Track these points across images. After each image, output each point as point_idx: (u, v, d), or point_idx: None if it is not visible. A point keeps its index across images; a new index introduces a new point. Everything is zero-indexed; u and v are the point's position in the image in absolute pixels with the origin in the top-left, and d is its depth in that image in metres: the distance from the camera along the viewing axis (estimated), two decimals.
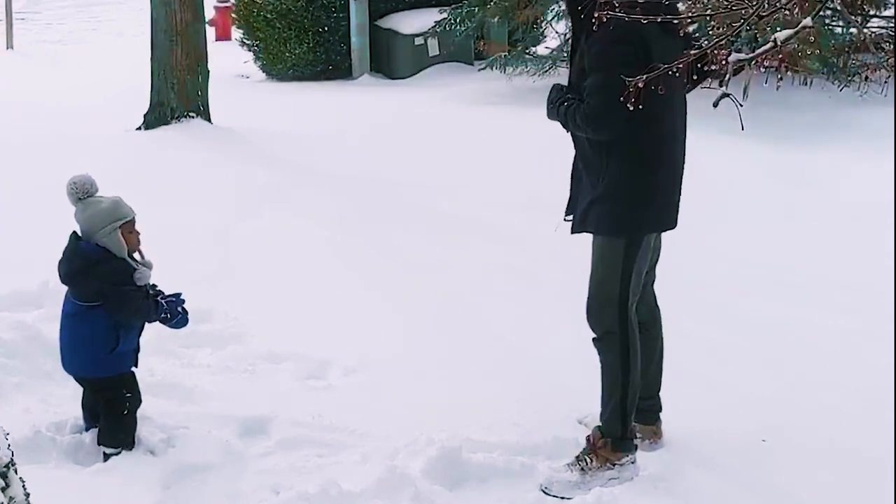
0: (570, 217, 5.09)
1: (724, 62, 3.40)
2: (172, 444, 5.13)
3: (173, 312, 5.14)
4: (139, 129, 11.23)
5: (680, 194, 5.04)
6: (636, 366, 4.96)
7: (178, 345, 6.24)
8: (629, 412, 4.98)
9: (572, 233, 5.06)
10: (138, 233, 5.09)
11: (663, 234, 5.15)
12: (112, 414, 5.08)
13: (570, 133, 5.03)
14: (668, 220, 5.03)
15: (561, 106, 4.92)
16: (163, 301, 5.12)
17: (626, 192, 4.85)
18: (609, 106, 4.59)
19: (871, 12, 13.12)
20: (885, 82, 11.42)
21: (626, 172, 4.85)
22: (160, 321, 5.15)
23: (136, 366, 5.17)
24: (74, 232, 5.06)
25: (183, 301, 5.21)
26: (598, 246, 4.97)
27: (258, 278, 7.33)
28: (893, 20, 12.59)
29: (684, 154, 5.03)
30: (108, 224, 4.98)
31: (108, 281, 4.95)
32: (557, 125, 5.01)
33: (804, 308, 6.85)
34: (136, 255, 5.08)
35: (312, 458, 5.15)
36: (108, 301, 4.97)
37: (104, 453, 5.05)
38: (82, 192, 5.01)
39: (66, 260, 5.05)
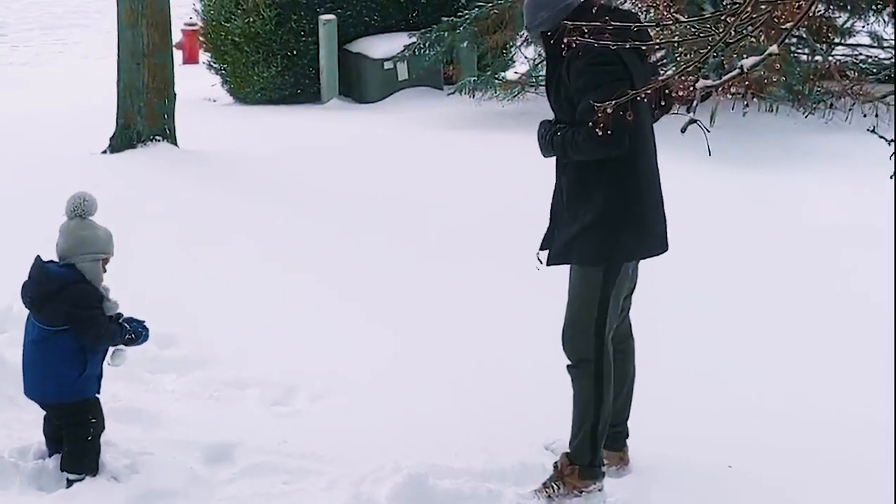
0: (545, 250, 5.10)
1: (691, 88, 3.40)
2: (136, 470, 5.10)
3: (137, 333, 5.12)
4: (105, 152, 11.15)
5: (665, 219, 5.06)
6: (609, 394, 4.96)
7: (143, 370, 6.20)
8: (599, 440, 4.97)
9: (548, 264, 5.06)
10: (105, 270, 5.09)
11: (642, 261, 5.16)
12: (76, 440, 5.03)
13: (557, 166, 5.03)
14: (650, 245, 5.03)
15: (555, 136, 4.91)
16: (126, 324, 5.10)
17: (609, 221, 4.86)
18: (614, 121, 4.63)
19: (836, 40, 13.23)
20: (850, 109, 11.52)
21: (611, 202, 4.86)
22: (125, 343, 5.12)
23: (98, 391, 5.13)
24: (39, 256, 5.02)
25: (142, 321, 5.19)
26: (578, 273, 4.98)
27: (224, 303, 7.29)
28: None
29: (659, 179, 5.05)
30: (96, 251, 4.99)
31: (77, 304, 4.93)
32: (533, 158, 5.02)
33: (774, 333, 6.87)
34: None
35: (278, 484, 5.12)
36: (77, 325, 4.94)
37: (67, 479, 5.01)
38: (86, 211, 5.01)
39: (33, 283, 5.00)
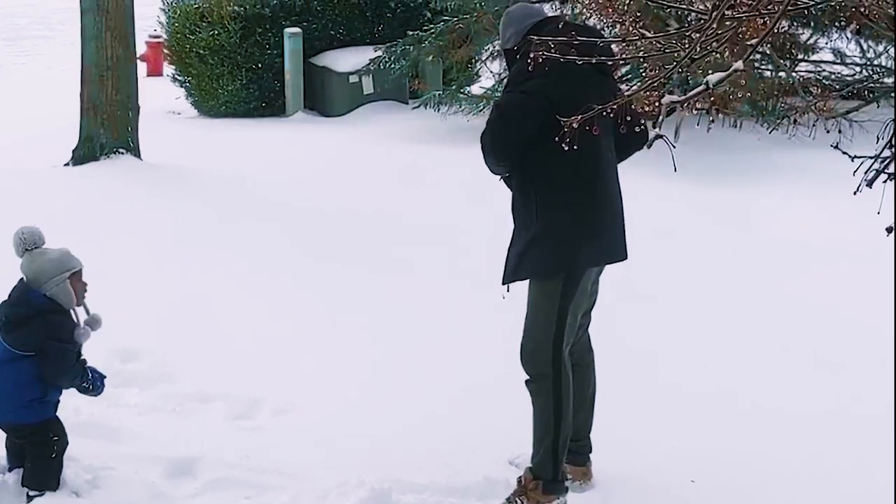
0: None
1: (656, 103, 3.41)
2: (98, 485, 5.07)
3: (95, 386, 5.07)
4: (67, 164, 11.09)
5: (623, 229, 5.07)
6: (568, 408, 4.96)
7: (105, 384, 6.13)
8: (561, 454, 4.97)
9: (504, 283, 5.06)
10: (85, 284, 5.05)
11: (601, 279, 5.16)
12: (40, 457, 5.00)
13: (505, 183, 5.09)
14: (606, 253, 5.04)
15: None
16: (89, 370, 5.06)
17: (558, 231, 4.88)
18: (494, 130, 4.75)
19: (800, 57, 13.33)
20: (813, 125, 11.59)
21: (556, 214, 4.87)
22: (80, 389, 5.06)
23: (55, 412, 5.08)
24: (22, 279, 4.98)
25: (104, 377, 5.14)
26: (535, 287, 4.98)
27: (187, 317, 7.25)
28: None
29: (619, 190, 5.06)
30: (58, 274, 4.94)
31: (50, 334, 4.89)
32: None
33: (739, 345, 6.89)
34: (80, 309, 5.03)
35: (240, 499, 5.10)
36: (45, 354, 4.89)
37: (28, 495, 4.97)
38: (30, 244, 4.96)
39: (10, 305, 4.96)
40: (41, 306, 4.91)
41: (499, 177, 5.11)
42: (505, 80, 5.42)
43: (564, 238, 4.88)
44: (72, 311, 5.01)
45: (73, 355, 4.99)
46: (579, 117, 3.38)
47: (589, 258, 4.97)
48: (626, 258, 5.11)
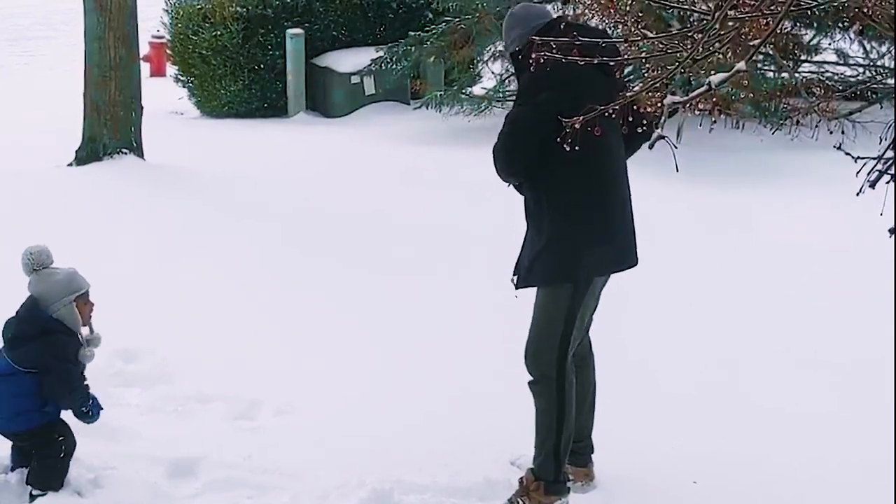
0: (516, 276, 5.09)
1: (659, 104, 3.40)
2: (100, 485, 5.07)
3: (93, 413, 5.06)
4: (70, 164, 11.09)
5: (633, 232, 5.05)
6: (571, 410, 4.96)
7: (107, 384, 6.14)
8: (563, 456, 4.97)
9: (517, 288, 5.05)
10: (92, 304, 5.05)
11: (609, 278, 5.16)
12: (47, 457, 5.00)
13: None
14: (616, 260, 5.03)
15: None
16: (91, 395, 5.05)
17: (569, 238, 4.86)
18: (506, 143, 4.73)
19: (803, 57, 13.30)
20: (816, 127, 11.58)
21: (567, 219, 4.86)
22: (77, 413, 5.04)
23: (59, 416, 5.08)
24: (32, 296, 4.98)
25: (101, 408, 5.12)
26: (545, 291, 4.97)
27: (188, 317, 7.24)
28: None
29: (629, 194, 5.05)
30: (64, 296, 4.95)
31: (55, 353, 4.88)
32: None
33: (740, 346, 6.89)
34: (85, 330, 5.03)
35: (241, 499, 5.10)
36: (49, 373, 4.89)
37: (31, 494, 4.97)
38: (38, 264, 4.97)
39: (18, 322, 4.96)
40: (48, 326, 4.92)
41: (509, 185, 5.09)
42: (506, 80, 5.40)
43: (572, 240, 4.87)
44: (78, 333, 5.02)
45: (78, 375, 4.99)
46: (581, 118, 3.37)
47: (596, 266, 4.95)
48: (636, 264, 5.09)
